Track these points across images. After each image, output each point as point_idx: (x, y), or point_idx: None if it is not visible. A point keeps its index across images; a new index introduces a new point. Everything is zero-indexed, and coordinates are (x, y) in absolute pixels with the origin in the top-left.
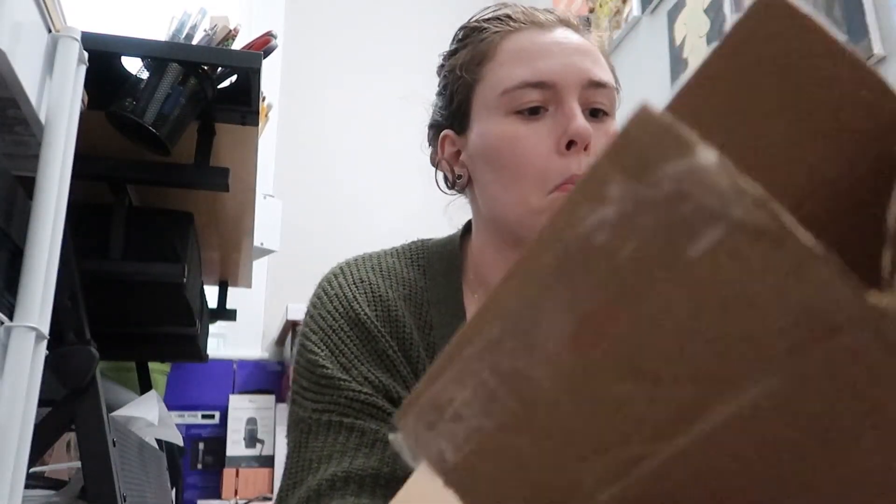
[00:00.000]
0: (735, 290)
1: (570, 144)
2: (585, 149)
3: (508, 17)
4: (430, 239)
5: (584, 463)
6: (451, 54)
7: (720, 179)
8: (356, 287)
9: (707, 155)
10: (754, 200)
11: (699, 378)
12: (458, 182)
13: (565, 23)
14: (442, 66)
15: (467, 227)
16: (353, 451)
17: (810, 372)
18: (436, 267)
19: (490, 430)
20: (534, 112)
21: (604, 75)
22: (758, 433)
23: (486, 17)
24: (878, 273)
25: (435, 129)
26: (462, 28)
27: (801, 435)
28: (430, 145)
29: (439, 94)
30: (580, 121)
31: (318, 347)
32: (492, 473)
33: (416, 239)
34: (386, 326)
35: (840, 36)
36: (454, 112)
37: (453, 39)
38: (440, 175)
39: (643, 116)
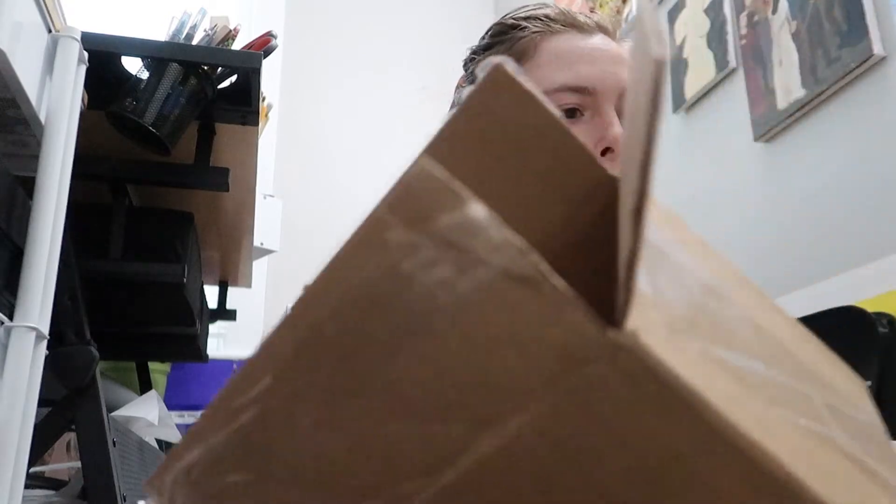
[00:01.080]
0: (500, 330)
1: (607, 150)
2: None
3: (549, 17)
4: None
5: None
6: (485, 49)
7: (489, 231)
8: None
9: (477, 209)
10: (518, 251)
11: (467, 413)
12: None
13: (603, 29)
14: (472, 58)
15: None
16: None
17: (564, 402)
18: None
19: (254, 484)
20: (570, 115)
21: None
22: (525, 463)
23: (524, 14)
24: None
25: None
26: (498, 24)
27: (564, 463)
28: None
29: (461, 87)
30: (618, 128)
31: None
32: None
33: None
34: None
35: (555, 111)
36: None
37: (486, 34)
38: None
39: (422, 170)
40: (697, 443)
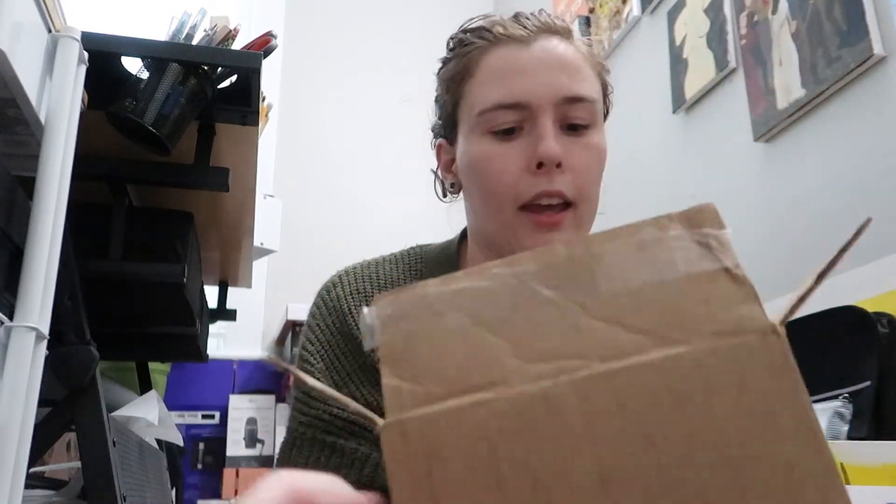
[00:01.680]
0: (705, 292)
1: (540, 165)
2: (559, 166)
3: (489, 30)
4: (428, 244)
5: (526, 362)
6: (444, 63)
7: (730, 247)
8: (352, 298)
9: (727, 234)
10: (738, 262)
11: (657, 331)
12: (450, 190)
13: (548, 30)
14: (438, 71)
15: (465, 232)
16: (332, 472)
17: (720, 346)
18: (434, 273)
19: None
20: (508, 132)
21: (581, 88)
22: (666, 377)
23: (472, 27)
24: None
25: (433, 135)
26: (451, 38)
27: (686, 393)
28: (433, 149)
29: (435, 100)
30: (547, 142)
31: (315, 359)
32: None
33: (414, 245)
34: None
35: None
36: (445, 123)
37: (446, 47)
38: (439, 182)
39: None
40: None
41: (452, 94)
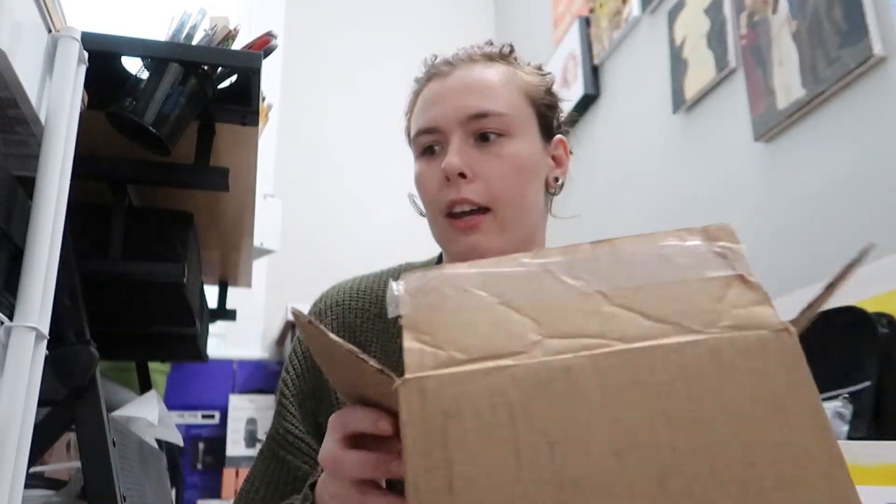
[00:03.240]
0: (723, 292)
1: (448, 178)
2: (463, 176)
3: (429, 68)
4: (414, 262)
5: (548, 337)
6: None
7: (743, 257)
8: (329, 312)
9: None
10: (749, 269)
11: (683, 321)
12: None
13: (470, 60)
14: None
15: None
16: (273, 484)
17: (735, 337)
18: None
19: None
20: (430, 152)
21: (486, 104)
22: (681, 358)
23: (426, 66)
24: None
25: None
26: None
27: (695, 381)
28: None
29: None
30: (448, 158)
31: (288, 373)
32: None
33: (403, 263)
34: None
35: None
36: (412, 144)
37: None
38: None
39: None
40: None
41: (407, 124)
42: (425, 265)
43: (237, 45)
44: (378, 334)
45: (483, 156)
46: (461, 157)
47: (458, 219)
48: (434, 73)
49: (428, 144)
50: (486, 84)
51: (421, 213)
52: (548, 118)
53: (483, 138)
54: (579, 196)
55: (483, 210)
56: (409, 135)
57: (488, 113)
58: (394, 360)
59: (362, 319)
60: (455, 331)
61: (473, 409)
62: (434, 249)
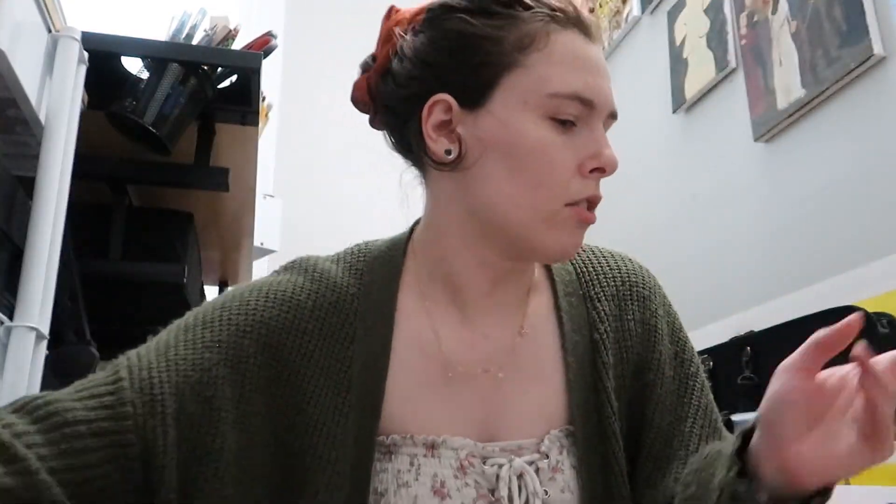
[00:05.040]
0: None
1: (595, 170)
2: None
3: (558, 8)
4: (375, 241)
5: None
6: (476, 13)
7: None
8: (275, 302)
9: None
10: None
11: None
12: (446, 157)
13: (599, 38)
14: (446, 16)
15: (414, 227)
16: (76, 412)
17: None
18: (375, 271)
19: None
20: (567, 124)
21: (615, 106)
22: None
23: None
24: None
25: (422, 83)
26: None
27: None
28: (396, 87)
29: (440, 47)
30: (611, 151)
31: (188, 319)
32: None
33: (360, 242)
34: (273, 355)
35: None
36: (469, 82)
37: None
38: (424, 145)
39: None
40: None
41: (495, 56)
42: (388, 248)
43: (237, 45)
44: (329, 332)
45: None
46: None
47: (587, 213)
48: (576, 21)
49: (571, 114)
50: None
51: (436, 164)
52: None
53: None
54: None
55: (594, 207)
56: (492, 70)
57: (616, 115)
58: (337, 365)
59: (313, 315)
60: None
61: None
62: (394, 230)
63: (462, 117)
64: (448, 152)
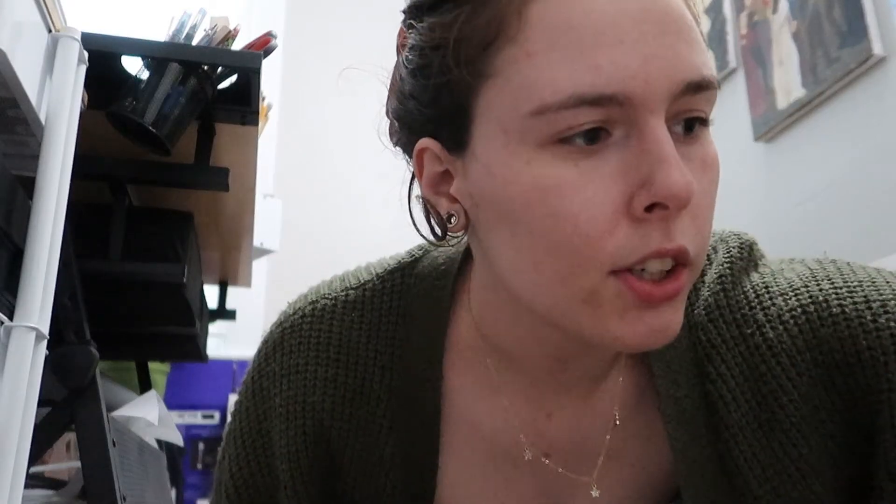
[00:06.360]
0: None
1: (653, 207)
2: (683, 207)
3: None
4: (421, 262)
5: None
6: (432, 8)
7: None
8: (283, 382)
9: None
10: None
11: None
12: (449, 226)
13: None
14: (411, 26)
15: (466, 255)
16: None
17: None
18: (417, 315)
19: None
20: (590, 140)
21: (706, 65)
22: None
23: None
24: None
25: (406, 127)
26: None
27: None
28: (394, 142)
29: (413, 71)
30: (676, 171)
31: (231, 466)
32: None
33: (399, 263)
34: (307, 453)
35: None
36: (441, 117)
37: None
38: (430, 214)
39: None
40: None
41: (459, 72)
42: (435, 279)
43: (237, 45)
44: (355, 419)
45: (691, 164)
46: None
47: (654, 283)
48: None
49: (591, 123)
50: (689, 19)
51: (440, 238)
52: None
53: (687, 126)
54: None
55: (681, 265)
56: (458, 92)
57: (710, 83)
58: (371, 459)
59: (332, 403)
60: None
61: None
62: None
63: (456, 166)
64: (451, 218)
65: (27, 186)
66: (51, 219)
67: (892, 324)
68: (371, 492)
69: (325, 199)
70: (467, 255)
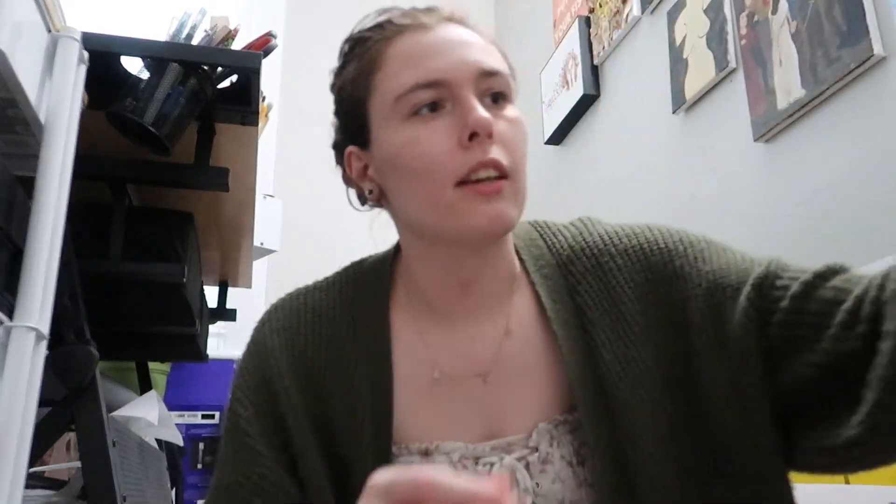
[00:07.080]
0: None
1: (473, 136)
2: (489, 136)
3: (390, 21)
4: (366, 259)
5: None
6: (340, 70)
7: None
8: (277, 336)
9: None
10: None
11: None
12: (369, 197)
13: (449, 19)
14: (333, 84)
15: (398, 245)
16: None
17: None
18: (365, 292)
19: None
20: (432, 109)
21: (495, 63)
22: None
23: (367, 25)
24: None
25: (339, 148)
26: (346, 41)
27: None
28: (337, 165)
29: (336, 112)
30: (479, 111)
31: (243, 407)
32: None
33: (353, 262)
34: (301, 384)
35: None
36: (353, 129)
37: (339, 54)
38: (353, 193)
39: None
40: None
41: (358, 95)
42: (375, 267)
43: (237, 45)
44: (331, 360)
45: (497, 118)
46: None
47: (480, 183)
48: (408, 24)
49: (430, 101)
50: (483, 43)
51: (362, 203)
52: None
53: (494, 99)
54: (579, 195)
55: (503, 177)
56: (357, 110)
57: (499, 72)
58: (346, 389)
59: (314, 345)
60: None
61: None
62: (394, 230)
63: (367, 157)
64: (371, 192)
65: (27, 186)
66: (51, 219)
67: (694, 253)
68: (350, 422)
69: (325, 199)
70: (398, 248)
